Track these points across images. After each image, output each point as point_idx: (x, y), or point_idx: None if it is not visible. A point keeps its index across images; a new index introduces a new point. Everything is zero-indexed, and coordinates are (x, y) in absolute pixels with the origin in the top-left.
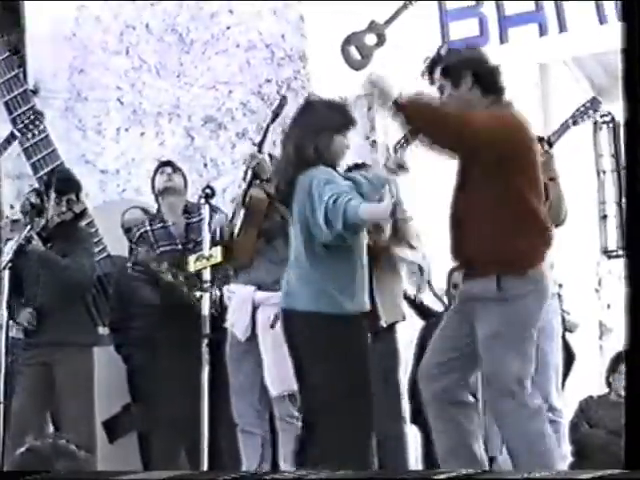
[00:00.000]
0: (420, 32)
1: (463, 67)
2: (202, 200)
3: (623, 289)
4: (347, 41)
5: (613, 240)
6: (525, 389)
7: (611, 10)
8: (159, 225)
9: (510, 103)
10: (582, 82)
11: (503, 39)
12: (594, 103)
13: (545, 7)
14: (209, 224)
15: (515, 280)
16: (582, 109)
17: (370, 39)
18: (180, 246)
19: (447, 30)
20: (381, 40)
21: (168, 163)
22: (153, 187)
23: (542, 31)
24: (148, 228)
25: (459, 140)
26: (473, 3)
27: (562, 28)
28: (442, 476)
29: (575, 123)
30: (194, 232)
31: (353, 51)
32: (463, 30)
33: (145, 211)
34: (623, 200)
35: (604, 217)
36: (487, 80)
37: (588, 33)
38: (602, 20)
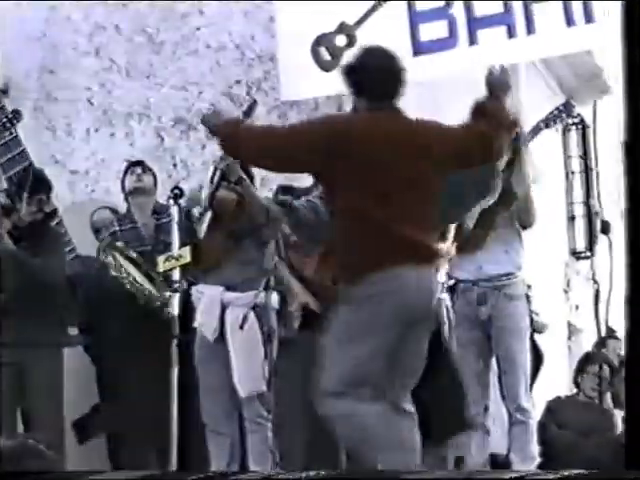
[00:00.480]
0: (390, 33)
1: (346, 72)
2: (171, 201)
3: (591, 290)
4: (317, 42)
5: (581, 241)
6: (349, 392)
7: (579, 12)
8: (129, 226)
9: (397, 109)
10: (551, 84)
11: (472, 41)
12: (567, 107)
13: (514, 9)
14: (178, 224)
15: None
16: (555, 112)
17: (340, 40)
18: (150, 247)
19: (417, 31)
20: (351, 41)
21: (138, 163)
22: (123, 187)
23: (510, 33)
24: (117, 228)
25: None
26: (442, 4)
27: (530, 30)
28: (430, 475)
29: (548, 126)
30: (163, 233)
31: (323, 52)
32: (432, 31)
33: (114, 211)
34: (591, 201)
35: (572, 218)
36: (369, 86)
37: (556, 35)
38: (570, 22)
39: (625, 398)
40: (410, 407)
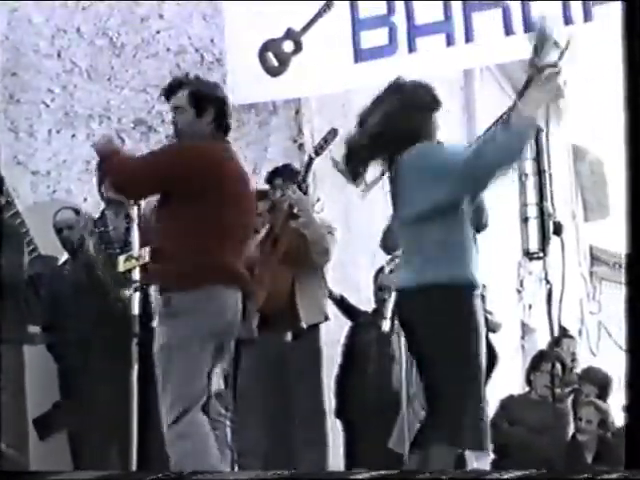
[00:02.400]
0: (333, 40)
1: (212, 102)
2: (131, 201)
3: (544, 290)
4: (264, 47)
5: (534, 242)
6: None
7: (518, 21)
8: (102, 229)
9: (229, 144)
10: (505, 86)
11: (412, 48)
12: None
13: (454, 17)
14: (138, 225)
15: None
16: (506, 116)
17: (287, 46)
18: (118, 250)
19: (358, 39)
20: (298, 47)
21: None
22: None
23: (449, 41)
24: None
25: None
26: (384, 12)
27: (469, 38)
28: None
29: None
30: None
31: (270, 57)
32: (373, 39)
33: (76, 212)
34: (544, 202)
35: (525, 219)
36: (226, 120)
37: (494, 44)
38: (508, 31)
39: (625, 399)
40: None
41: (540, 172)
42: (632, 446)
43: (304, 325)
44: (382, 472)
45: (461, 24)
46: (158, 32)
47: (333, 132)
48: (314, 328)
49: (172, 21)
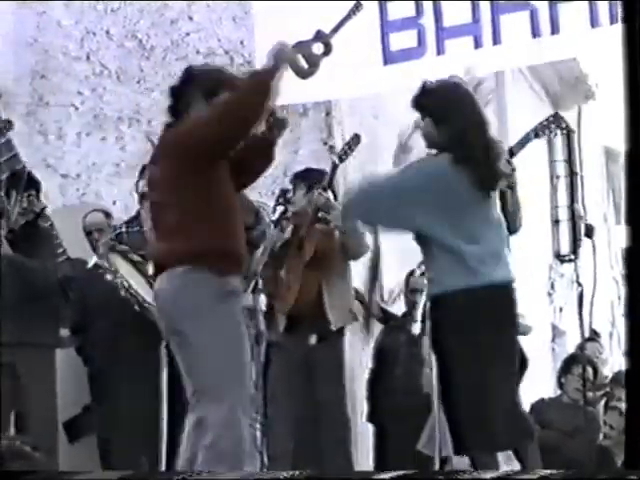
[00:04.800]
0: (362, 42)
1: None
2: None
3: (575, 293)
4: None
5: (565, 245)
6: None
7: (546, 24)
8: (136, 229)
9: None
10: (537, 88)
11: (440, 50)
12: (556, 118)
13: (482, 19)
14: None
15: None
16: (545, 123)
17: (317, 48)
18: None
19: (387, 41)
20: (328, 49)
21: None
22: (137, 189)
23: (477, 43)
24: (124, 230)
25: None
26: (413, 14)
27: (496, 41)
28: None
29: (537, 136)
30: None
31: (300, 59)
32: (402, 41)
33: (106, 214)
34: (575, 205)
35: (557, 222)
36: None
37: (521, 46)
38: (536, 33)
39: (625, 399)
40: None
41: (572, 174)
42: (632, 446)
43: (333, 328)
44: (402, 472)
45: (489, 26)
46: (188, 34)
47: (356, 138)
48: (340, 331)
49: (202, 23)
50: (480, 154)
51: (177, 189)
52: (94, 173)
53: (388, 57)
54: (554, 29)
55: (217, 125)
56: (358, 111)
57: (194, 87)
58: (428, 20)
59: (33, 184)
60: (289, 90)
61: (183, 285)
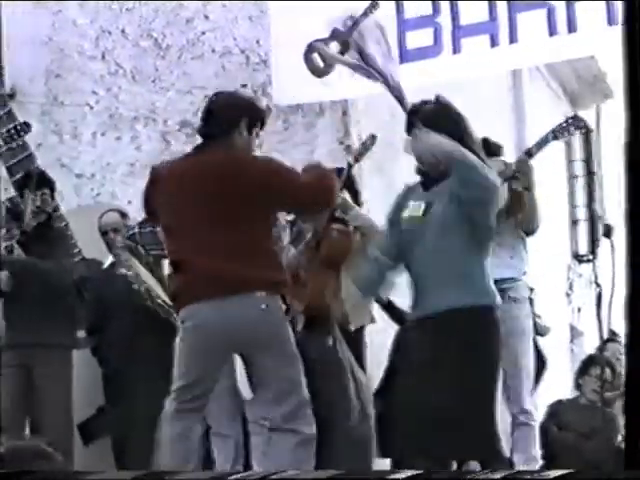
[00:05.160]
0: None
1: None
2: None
3: (593, 293)
4: (310, 48)
5: (584, 244)
6: None
7: (563, 22)
8: (148, 229)
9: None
10: (554, 87)
11: (456, 49)
12: (576, 120)
13: (499, 18)
14: None
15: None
16: (564, 125)
17: (333, 47)
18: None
19: (404, 39)
20: (344, 48)
21: None
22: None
23: (493, 42)
24: (137, 230)
25: None
26: (430, 12)
27: (513, 39)
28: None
29: (556, 137)
30: None
31: (316, 58)
32: (419, 39)
33: (122, 214)
34: (593, 205)
35: (575, 222)
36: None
37: (538, 44)
38: (553, 32)
39: (625, 398)
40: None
41: (590, 174)
42: (632, 446)
43: (352, 328)
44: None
45: (505, 25)
46: (203, 33)
47: (372, 138)
48: (360, 330)
49: (217, 22)
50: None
51: (254, 221)
52: (109, 173)
53: (404, 55)
54: (571, 27)
55: (310, 194)
56: (374, 110)
57: (242, 115)
58: (445, 19)
59: (47, 183)
60: (305, 89)
61: (270, 312)
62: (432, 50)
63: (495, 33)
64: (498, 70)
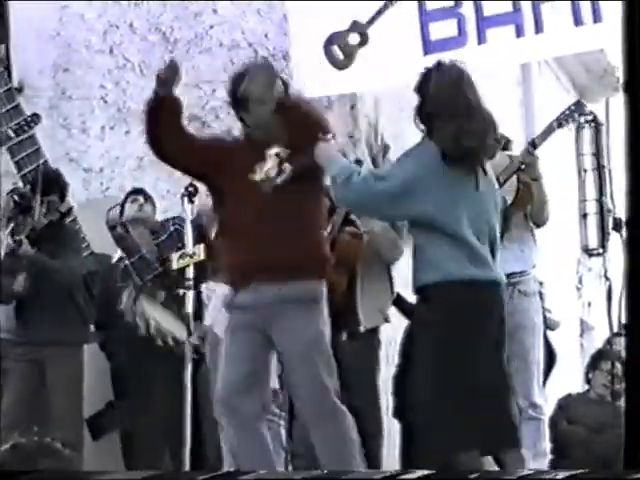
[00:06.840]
0: (401, 32)
1: None
2: (185, 199)
3: (603, 287)
4: (330, 40)
5: (594, 238)
6: None
7: (588, 12)
8: (137, 257)
9: None
10: (563, 80)
11: (481, 40)
12: (579, 106)
13: (523, 8)
14: (192, 222)
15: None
16: (567, 112)
17: (353, 38)
18: (160, 268)
19: (427, 30)
20: (364, 39)
21: (139, 192)
22: (122, 213)
23: (519, 32)
24: (127, 262)
25: None
26: (452, 4)
27: (539, 29)
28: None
29: (560, 126)
30: (165, 250)
31: (336, 50)
32: (442, 30)
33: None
34: (603, 198)
35: (585, 215)
36: None
37: (563, 34)
38: (578, 22)
39: (625, 398)
40: None
41: (599, 167)
42: (632, 446)
43: (362, 328)
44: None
45: (530, 15)
46: (211, 27)
47: (385, 148)
48: (373, 331)
49: (226, 16)
50: (449, 128)
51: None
52: (118, 167)
53: (428, 47)
54: (596, 17)
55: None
56: (383, 104)
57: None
58: (468, 10)
59: (57, 186)
60: (325, 81)
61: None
62: (456, 41)
63: (520, 23)
64: (524, 60)
